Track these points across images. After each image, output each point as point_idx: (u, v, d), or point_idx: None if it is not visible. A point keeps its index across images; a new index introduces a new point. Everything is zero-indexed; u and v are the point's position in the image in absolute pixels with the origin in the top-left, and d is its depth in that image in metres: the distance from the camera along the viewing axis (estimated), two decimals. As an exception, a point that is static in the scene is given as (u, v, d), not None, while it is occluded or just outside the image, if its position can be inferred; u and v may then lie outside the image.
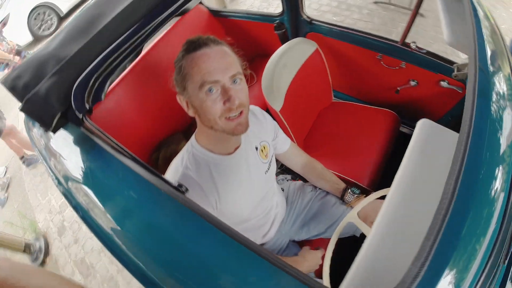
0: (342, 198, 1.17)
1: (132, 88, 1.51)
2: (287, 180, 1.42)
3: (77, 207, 0.84)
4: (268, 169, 1.01)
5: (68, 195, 0.88)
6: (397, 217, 0.67)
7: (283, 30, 1.68)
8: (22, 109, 0.82)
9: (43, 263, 2.34)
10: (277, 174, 1.62)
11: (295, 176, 1.56)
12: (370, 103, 1.68)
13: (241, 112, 0.78)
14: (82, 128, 0.88)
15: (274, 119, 1.14)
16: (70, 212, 2.61)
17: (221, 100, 0.75)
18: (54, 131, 0.87)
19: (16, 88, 0.84)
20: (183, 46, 0.77)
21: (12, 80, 0.85)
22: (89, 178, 0.86)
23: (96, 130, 0.83)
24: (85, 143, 0.89)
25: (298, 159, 1.21)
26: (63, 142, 0.95)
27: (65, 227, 2.54)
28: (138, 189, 0.75)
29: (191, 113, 0.82)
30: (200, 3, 2.01)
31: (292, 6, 1.57)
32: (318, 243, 1.20)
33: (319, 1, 3.72)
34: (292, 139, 1.29)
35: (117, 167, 0.79)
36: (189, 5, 1.94)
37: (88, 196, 0.82)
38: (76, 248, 2.36)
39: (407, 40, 1.38)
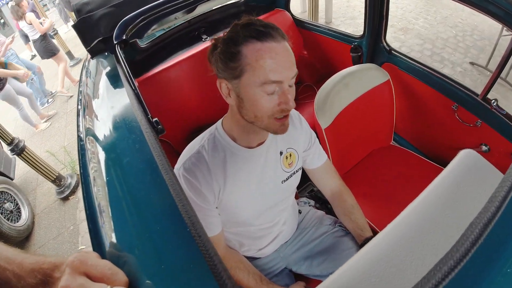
0: (361, 246, 1.00)
1: (193, 71, 1.58)
2: (309, 205, 1.28)
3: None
4: (287, 179, 0.92)
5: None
6: (399, 239, 0.54)
7: (359, 54, 1.58)
8: (73, 25, 0.93)
9: (66, 199, 2.52)
10: (301, 196, 1.50)
11: (321, 207, 1.42)
12: (431, 158, 1.47)
13: (287, 114, 0.74)
14: (114, 57, 0.94)
15: (317, 136, 1.05)
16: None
17: (277, 100, 0.71)
18: (91, 52, 0.96)
19: (81, 11, 0.97)
20: (244, 27, 0.68)
21: (81, 5, 0.98)
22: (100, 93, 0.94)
23: (121, 60, 0.88)
24: (112, 72, 0.96)
25: (330, 181, 1.06)
26: (96, 67, 1.05)
27: (100, 178, 2.70)
28: (122, 113, 0.78)
29: (230, 101, 0.76)
30: (288, 10, 2.03)
31: (373, 31, 1.46)
32: (315, 286, 1.04)
33: (412, 46, 3.52)
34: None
35: (121, 94, 0.85)
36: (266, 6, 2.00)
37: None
38: (99, 199, 2.49)
39: (489, 96, 1.17)
